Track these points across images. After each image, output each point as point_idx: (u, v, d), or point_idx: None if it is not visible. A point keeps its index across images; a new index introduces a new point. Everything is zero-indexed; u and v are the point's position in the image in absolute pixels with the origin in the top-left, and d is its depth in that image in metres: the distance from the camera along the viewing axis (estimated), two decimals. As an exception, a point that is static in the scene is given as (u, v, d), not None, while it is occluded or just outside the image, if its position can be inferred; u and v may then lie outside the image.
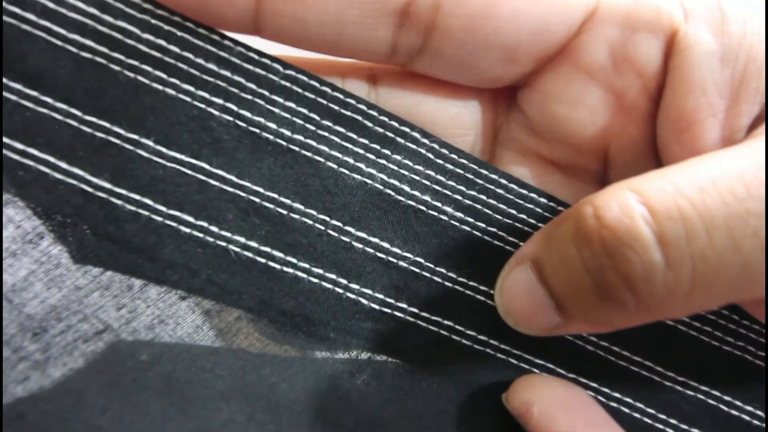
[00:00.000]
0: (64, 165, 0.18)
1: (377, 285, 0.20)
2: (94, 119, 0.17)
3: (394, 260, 0.20)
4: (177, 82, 0.18)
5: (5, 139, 0.17)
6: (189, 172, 0.18)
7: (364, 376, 0.20)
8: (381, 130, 0.19)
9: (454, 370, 0.20)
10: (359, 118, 0.19)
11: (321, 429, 0.19)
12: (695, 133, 0.18)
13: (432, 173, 0.19)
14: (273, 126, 0.18)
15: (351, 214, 0.19)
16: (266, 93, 0.18)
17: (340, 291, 0.19)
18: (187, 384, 0.18)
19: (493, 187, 0.20)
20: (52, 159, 0.17)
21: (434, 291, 0.20)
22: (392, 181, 0.19)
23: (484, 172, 0.20)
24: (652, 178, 0.16)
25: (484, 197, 0.20)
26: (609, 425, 0.20)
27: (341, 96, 0.19)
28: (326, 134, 0.19)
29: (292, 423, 0.19)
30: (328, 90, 0.19)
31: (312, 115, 0.18)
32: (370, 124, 0.19)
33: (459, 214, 0.20)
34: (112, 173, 0.18)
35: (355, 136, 0.19)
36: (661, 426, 0.21)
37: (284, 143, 0.18)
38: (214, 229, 0.18)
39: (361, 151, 0.19)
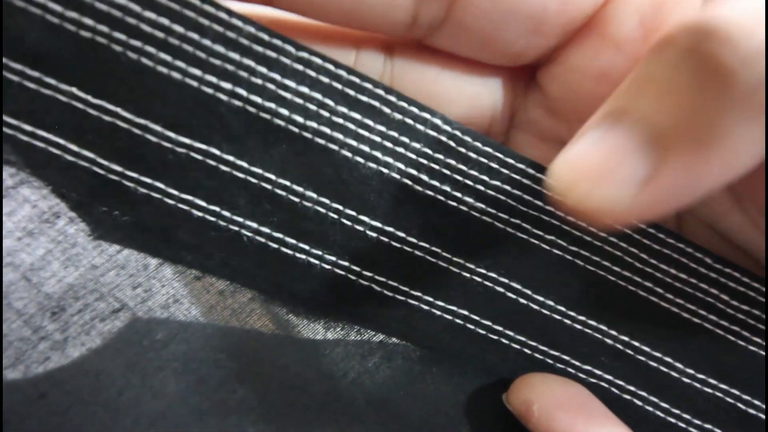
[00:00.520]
0: (74, 147, 0.17)
1: (391, 273, 0.19)
2: (100, 102, 0.17)
3: (410, 249, 0.19)
4: (183, 65, 0.17)
5: (13, 120, 0.17)
6: (199, 157, 0.18)
7: (375, 359, 0.20)
8: (399, 116, 0.18)
9: (466, 357, 0.20)
10: (376, 104, 0.18)
11: (332, 410, 0.19)
12: None
13: (453, 162, 0.18)
14: (285, 112, 0.17)
15: (365, 203, 0.18)
16: (277, 77, 0.17)
17: (353, 278, 0.19)
18: (202, 364, 0.19)
19: (519, 178, 0.19)
20: (62, 141, 0.17)
21: (451, 281, 0.19)
22: (410, 170, 0.18)
23: (511, 161, 0.18)
24: None
25: (509, 188, 0.19)
26: (609, 421, 0.19)
27: (357, 80, 0.17)
28: (341, 121, 0.18)
29: (303, 404, 0.19)
30: (344, 73, 0.17)
31: (326, 100, 0.17)
32: (387, 110, 0.18)
33: (480, 205, 0.19)
34: (122, 157, 0.17)
35: (371, 123, 0.18)
36: (673, 420, 0.21)
37: (297, 130, 0.18)
38: (227, 213, 0.18)
39: (378, 139, 0.18)
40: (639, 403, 0.21)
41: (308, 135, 0.18)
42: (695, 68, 0.13)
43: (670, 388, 0.21)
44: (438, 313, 0.20)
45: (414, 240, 0.19)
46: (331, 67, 0.17)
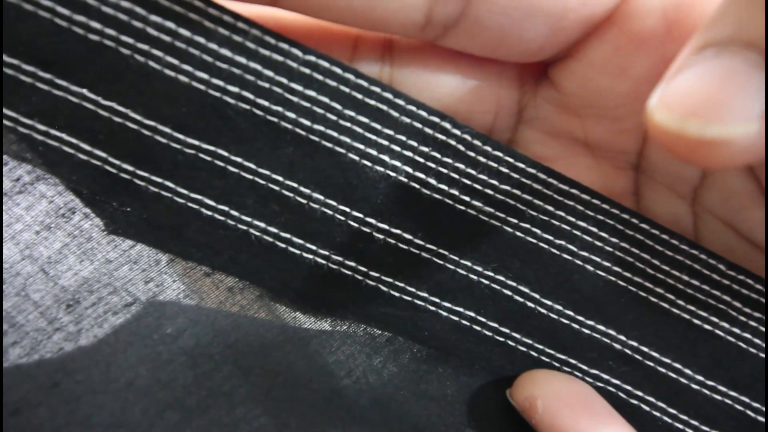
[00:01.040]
0: (86, 146, 0.18)
1: (397, 274, 0.19)
2: (110, 104, 0.17)
3: (417, 251, 0.19)
4: (190, 69, 0.17)
5: (27, 120, 0.17)
6: (208, 158, 0.18)
7: (381, 358, 0.20)
8: (408, 120, 0.18)
9: (472, 358, 0.20)
10: (384, 107, 0.17)
11: (336, 407, 0.20)
12: None
13: (462, 166, 0.18)
14: (292, 116, 0.17)
15: (372, 206, 0.18)
16: (284, 81, 0.17)
17: (360, 278, 0.19)
18: (210, 358, 0.19)
19: (529, 182, 0.18)
20: (74, 140, 0.17)
21: (458, 282, 0.19)
22: (418, 174, 0.18)
23: (520, 165, 0.18)
24: None
25: (518, 192, 0.18)
26: (614, 419, 0.19)
27: (365, 84, 0.17)
28: (348, 125, 0.18)
29: (308, 400, 0.19)
30: (351, 77, 0.17)
31: (333, 104, 0.17)
32: (395, 114, 0.18)
33: (489, 209, 0.19)
34: (133, 156, 0.18)
35: (379, 127, 0.18)
36: (680, 426, 0.21)
37: (304, 133, 0.18)
38: (235, 213, 0.18)
39: (386, 143, 0.18)
40: (646, 408, 0.20)
41: (315, 138, 0.18)
42: None
43: (678, 394, 0.20)
44: (444, 314, 0.20)
45: (421, 242, 0.19)
46: (338, 70, 0.17)
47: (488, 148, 0.18)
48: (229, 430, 0.19)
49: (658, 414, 0.21)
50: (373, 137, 0.18)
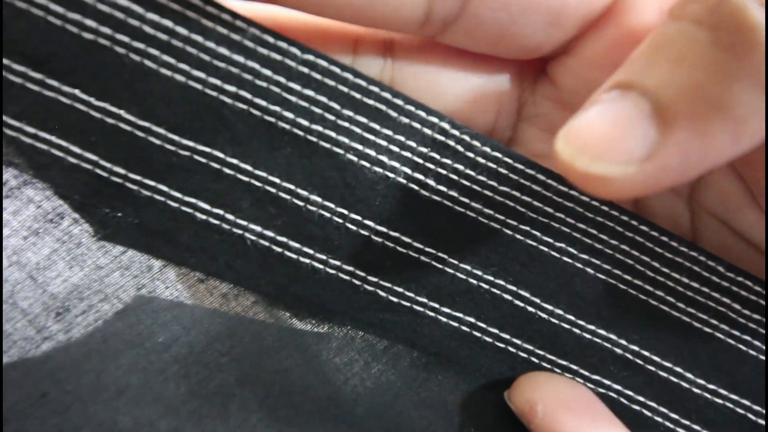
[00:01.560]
0: (77, 149, 0.17)
1: (396, 279, 0.19)
2: (103, 104, 0.17)
3: (416, 255, 0.19)
4: (186, 68, 0.16)
5: (15, 122, 0.17)
6: (203, 160, 0.17)
7: (380, 365, 0.20)
8: (406, 120, 0.17)
9: (472, 365, 0.20)
10: (383, 107, 0.17)
11: (333, 416, 0.19)
12: None
13: (461, 167, 0.18)
14: (290, 116, 0.17)
15: (371, 208, 0.18)
16: (282, 80, 0.17)
17: (358, 283, 0.19)
18: (203, 367, 0.19)
19: (528, 183, 0.18)
20: (64, 143, 0.17)
21: (457, 287, 0.19)
22: (416, 175, 0.18)
23: (520, 166, 0.18)
24: None
25: (518, 194, 0.18)
26: (614, 424, 0.19)
27: (364, 83, 0.17)
28: (347, 125, 0.17)
29: (305, 408, 0.19)
30: (350, 77, 0.17)
31: (332, 104, 0.17)
32: (394, 114, 0.17)
33: (489, 211, 0.18)
34: (125, 159, 0.17)
35: (377, 127, 0.17)
36: (682, 431, 0.20)
37: (302, 134, 0.17)
38: (230, 217, 0.18)
39: (384, 143, 0.18)
40: (648, 413, 0.20)
41: (313, 138, 0.17)
42: (714, 26, 0.13)
43: (679, 398, 0.20)
44: (444, 320, 0.19)
45: (420, 245, 0.19)
46: (337, 69, 0.17)
47: (487, 149, 0.18)
48: None
49: (659, 419, 0.20)
50: (372, 137, 0.17)
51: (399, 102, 0.17)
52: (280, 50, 0.17)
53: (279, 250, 0.18)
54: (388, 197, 0.18)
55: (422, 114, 0.17)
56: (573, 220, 0.19)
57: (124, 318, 0.18)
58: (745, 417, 0.20)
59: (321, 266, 0.19)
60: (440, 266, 0.19)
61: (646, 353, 0.20)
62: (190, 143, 0.17)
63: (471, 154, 0.18)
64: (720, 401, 0.20)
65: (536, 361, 0.20)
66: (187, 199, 0.18)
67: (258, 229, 0.18)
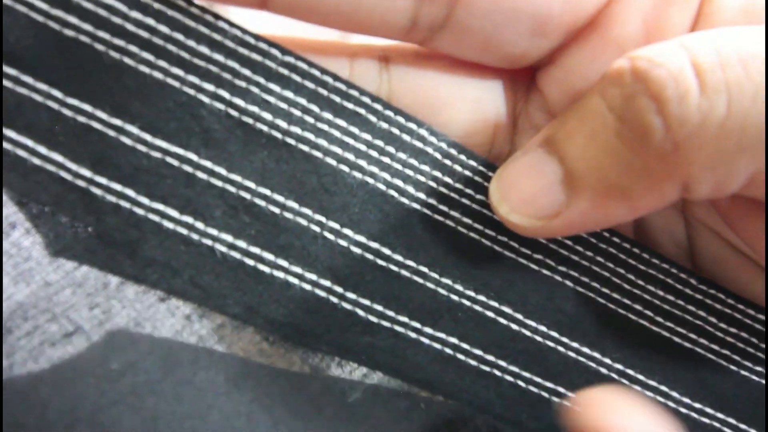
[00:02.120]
0: (43, 150, 0.16)
1: (376, 295, 0.18)
2: (75, 102, 0.16)
3: (396, 268, 0.18)
4: (165, 65, 0.16)
5: None
6: (175, 163, 0.17)
7: (358, 394, 0.18)
8: (385, 125, 0.18)
9: (456, 392, 0.19)
10: (362, 111, 0.17)
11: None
12: None
13: (439, 175, 0.18)
14: (268, 117, 0.17)
15: (350, 215, 0.18)
16: (262, 80, 0.17)
17: (335, 300, 0.18)
18: (161, 397, 0.16)
19: None
20: (30, 143, 0.16)
21: (439, 305, 0.18)
22: (396, 181, 0.18)
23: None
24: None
25: None
26: None
27: (344, 87, 0.17)
28: (325, 128, 0.17)
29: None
30: (330, 80, 0.17)
31: (311, 106, 0.17)
32: (373, 119, 0.18)
33: (467, 220, 0.18)
34: (93, 161, 0.16)
35: (356, 131, 0.17)
36: None
37: (279, 136, 0.17)
38: (200, 225, 0.17)
39: (363, 148, 0.17)
40: None
41: (291, 141, 0.17)
42: (622, 117, 0.15)
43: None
44: (426, 342, 0.18)
45: (400, 258, 0.18)
46: (316, 72, 0.17)
47: (463, 158, 0.18)
48: None
49: None
50: (351, 141, 0.17)
51: (377, 107, 0.17)
52: (260, 51, 0.17)
53: (251, 262, 0.17)
54: (368, 204, 0.18)
55: (400, 120, 0.18)
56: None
57: (73, 341, 0.16)
58: None
59: (296, 281, 0.17)
60: (421, 281, 0.18)
61: (630, 372, 0.19)
62: (163, 144, 0.16)
63: (448, 162, 0.18)
64: (707, 420, 0.19)
65: (523, 385, 0.19)
66: (154, 205, 0.17)
67: (229, 239, 0.17)
